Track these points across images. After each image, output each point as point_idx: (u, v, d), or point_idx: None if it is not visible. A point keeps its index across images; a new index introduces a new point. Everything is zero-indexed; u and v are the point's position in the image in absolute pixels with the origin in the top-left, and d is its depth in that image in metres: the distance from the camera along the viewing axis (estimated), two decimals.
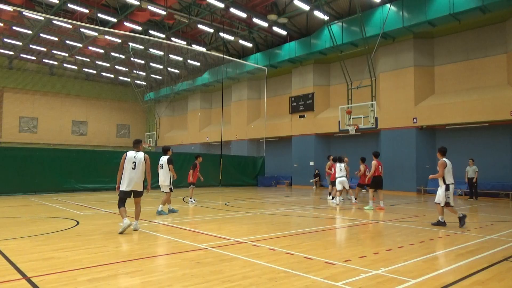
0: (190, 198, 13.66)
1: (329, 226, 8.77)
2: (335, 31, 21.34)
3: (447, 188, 8.50)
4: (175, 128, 42.20)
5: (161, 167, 10.39)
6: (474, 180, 16.41)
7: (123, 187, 7.57)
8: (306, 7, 21.35)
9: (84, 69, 38.91)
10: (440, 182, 8.64)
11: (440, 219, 8.63)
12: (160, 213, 10.14)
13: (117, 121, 44.08)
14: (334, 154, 22.53)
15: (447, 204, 8.51)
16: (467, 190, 17.58)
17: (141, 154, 7.67)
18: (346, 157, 15.41)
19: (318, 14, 22.06)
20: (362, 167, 14.14)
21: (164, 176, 10.30)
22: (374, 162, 12.46)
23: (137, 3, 21.75)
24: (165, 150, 10.63)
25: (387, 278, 4.44)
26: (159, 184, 10.51)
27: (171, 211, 10.59)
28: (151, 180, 8.27)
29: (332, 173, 14.55)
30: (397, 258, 5.46)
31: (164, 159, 10.36)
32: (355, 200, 14.09)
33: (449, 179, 8.59)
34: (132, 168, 7.53)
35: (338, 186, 13.78)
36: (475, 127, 18.87)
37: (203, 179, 13.99)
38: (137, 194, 7.72)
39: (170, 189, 10.39)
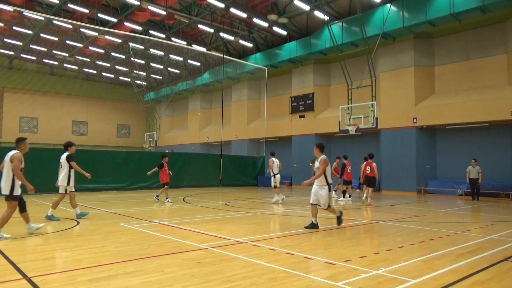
0: (167, 198, 13.72)
1: (329, 226, 8.77)
2: (335, 31, 21.34)
3: (329, 188, 7.93)
4: (175, 128, 42.20)
5: (60, 166, 9.11)
6: (479, 181, 15.94)
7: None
8: (306, 7, 21.35)
9: (84, 69, 38.93)
10: (322, 181, 7.88)
11: (314, 221, 8.00)
12: (49, 218, 8.75)
13: (117, 121, 44.09)
14: (335, 154, 22.59)
15: (329, 206, 7.99)
16: (468, 190, 17.54)
17: (10, 153, 6.74)
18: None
19: (318, 14, 22.05)
20: (362, 166, 14.51)
21: (63, 176, 8.97)
22: (363, 164, 14.13)
23: (137, 3, 21.75)
24: (65, 146, 9.33)
25: (388, 278, 4.44)
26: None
27: (81, 214, 9.18)
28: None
29: (347, 172, 15.06)
30: (397, 258, 5.46)
31: (63, 156, 9.09)
32: (366, 199, 14.06)
33: (330, 179, 8.03)
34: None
35: (278, 183, 14.04)
36: (475, 127, 18.87)
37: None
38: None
39: (66, 190, 9.01)
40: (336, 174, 15.41)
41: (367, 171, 13.85)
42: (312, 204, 8.05)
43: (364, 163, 14.13)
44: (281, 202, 13.77)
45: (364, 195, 14.21)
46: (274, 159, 14.37)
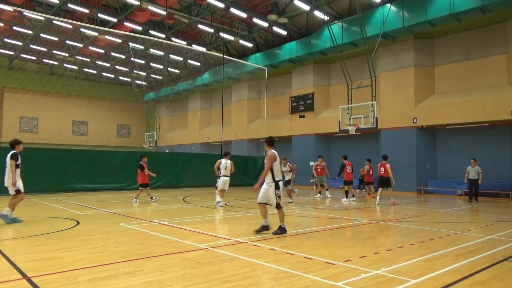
0: (151, 197, 13.69)
1: (329, 226, 8.77)
2: (335, 31, 21.34)
3: (277, 186, 7.21)
4: (175, 128, 42.20)
5: (5, 165, 8.39)
6: (479, 181, 15.06)
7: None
8: (306, 7, 21.35)
9: (84, 69, 38.92)
10: (268, 178, 7.23)
11: (264, 223, 7.35)
12: (10, 220, 8.26)
13: (117, 121, 44.10)
14: (335, 154, 22.55)
15: (278, 205, 7.24)
16: (467, 190, 17.47)
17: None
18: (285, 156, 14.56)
19: (318, 14, 22.05)
20: (367, 167, 14.96)
21: (8, 176, 8.33)
22: (366, 167, 15.16)
23: (137, 3, 21.75)
24: (12, 144, 8.60)
25: (388, 278, 4.44)
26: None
27: (10, 219, 8.29)
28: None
29: (348, 172, 15.22)
30: (397, 258, 5.46)
31: (8, 155, 8.38)
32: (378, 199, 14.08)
33: (278, 175, 7.30)
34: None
35: (220, 185, 12.58)
36: (475, 127, 18.87)
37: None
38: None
39: (17, 191, 8.35)
40: (367, 178, 16.27)
41: (380, 172, 14.03)
42: (259, 203, 7.35)
43: (379, 164, 14.38)
44: (218, 206, 12.33)
45: (377, 199, 13.86)
46: (223, 160, 12.90)
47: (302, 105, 25.94)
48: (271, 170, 7.19)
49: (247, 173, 26.67)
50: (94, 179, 18.73)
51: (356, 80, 20.01)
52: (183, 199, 15.07)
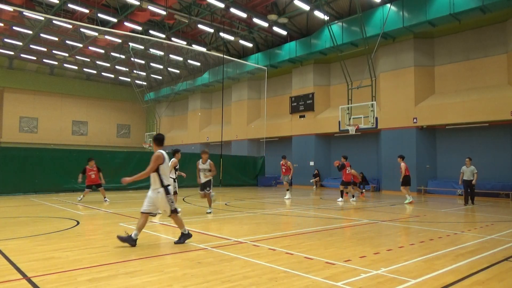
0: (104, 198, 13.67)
1: (329, 226, 8.77)
2: (335, 31, 21.34)
3: (167, 191, 6.25)
4: (175, 128, 42.20)
5: None
6: (473, 182, 13.89)
7: None
8: (306, 7, 21.35)
9: (84, 69, 38.92)
10: (155, 183, 6.25)
11: (184, 231, 6.40)
12: None
13: (117, 121, 44.10)
14: (335, 154, 22.53)
15: (174, 211, 6.33)
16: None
17: None
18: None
19: (318, 14, 22.05)
20: (402, 165, 14.84)
21: None
22: (402, 164, 14.74)
23: (137, 3, 21.75)
24: None
25: (388, 278, 4.44)
26: None
27: None
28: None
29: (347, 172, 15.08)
30: (397, 258, 5.46)
31: None
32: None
33: (167, 180, 6.32)
34: None
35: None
36: (475, 127, 18.87)
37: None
38: None
39: None
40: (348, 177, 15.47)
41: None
42: (142, 212, 6.37)
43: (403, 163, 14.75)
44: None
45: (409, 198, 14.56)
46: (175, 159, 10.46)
47: (302, 105, 25.94)
48: (159, 174, 6.18)
49: (247, 173, 26.69)
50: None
51: (356, 80, 20.01)
52: (183, 199, 15.07)
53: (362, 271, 4.68)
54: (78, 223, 8.55)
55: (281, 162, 16.40)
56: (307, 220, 9.90)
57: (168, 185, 6.28)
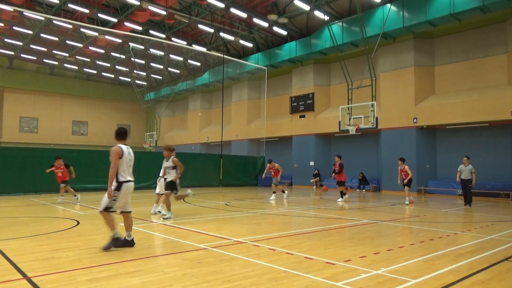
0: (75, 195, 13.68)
1: (329, 226, 8.77)
2: (335, 31, 21.34)
3: (119, 187, 5.77)
4: (176, 128, 42.20)
5: None
6: (473, 183, 13.41)
7: None
8: (306, 7, 21.35)
9: (85, 69, 38.93)
10: (111, 180, 5.76)
11: (114, 235, 5.81)
12: None
13: (117, 121, 44.06)
14: (335, 154, 22.44)
15: (107, 209, 5.75)
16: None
17: None
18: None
19: (318, 14, 22.05)
20: (406, 167, 14.38)
21: None
22: (406, 166, 14.43)
23: (138, 3, 21.75)
24: None
25: (388, 278, 4.44)
26: None
27: None
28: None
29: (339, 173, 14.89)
30: (397, 258, 5.46)
31: None
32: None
33: (125, 176, 5.86)
34: None
35: (158, 189, 10.43)
36: (475, 127, 18.87)
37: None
38: None
39: None
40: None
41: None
42: (101, 212, 5.85)
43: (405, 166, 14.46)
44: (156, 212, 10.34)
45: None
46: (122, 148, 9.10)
47: (302, 105, 25.94)
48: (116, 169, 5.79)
49: (247, 173, 26.68)
50: (94, 179, 18.71)
51: (356, 80, 20.01)
52: (183, 199, 15.05)
53: (362, 271, 4.68)
54: (78, 223, 8.55)
55: (268, 166, 16.10)
56: (307, 220, 9.90)
57: (126, 181, 5.82)
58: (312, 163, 25.38)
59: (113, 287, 4.01)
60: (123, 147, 5.97)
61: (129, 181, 5.91)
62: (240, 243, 6.43)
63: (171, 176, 9.31)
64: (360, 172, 22.29)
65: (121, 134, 6.14)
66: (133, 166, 6.17)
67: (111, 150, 5.83)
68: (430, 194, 19.61)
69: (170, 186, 9.28)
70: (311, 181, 24.53)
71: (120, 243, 5.83)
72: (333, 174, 15.24)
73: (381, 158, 21.54)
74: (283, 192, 15.95)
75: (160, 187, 10.21)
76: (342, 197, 14.91)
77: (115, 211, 5.83)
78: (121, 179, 5.81)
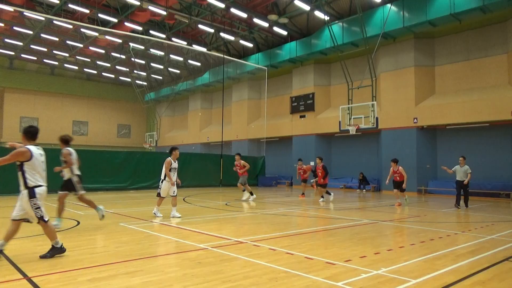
0: None
1: (329, 226, 8.76)
2: (335, 31, 21.34)
3: (32, 194, 5.21)
4: (176, 128, 42.21)
5: None
6: (465, 182, 12.74)
7: None
8: (306, 7, 21.34)
9: (85, 69, 38.95)
10: (20, 183, 5.30)
11: (55, 244, 5.38)
12: None
13: (117, 121, 44.11)
14: (335, 154, 22.37)
15: (41, 218, 5.31)
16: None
17: None
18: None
19: (318, 14, 22.05)
20: (401, 168, 13.80)
21: None
22: (401, 168, 13.73)
23: (138, 3, 21.75)
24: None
25: (388, 278, 4.43)
26: None
27: None
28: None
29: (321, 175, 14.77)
30: (397, 258, 5.46)
31: None
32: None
33: (35, 180, 5.27)
34: None
35: (163, 192, 9.65)
36: (475, 127, 18.86)
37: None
38: None
39: None
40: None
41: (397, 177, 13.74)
42: (13, 220, 5.34)
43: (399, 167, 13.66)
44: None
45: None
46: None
47: (303, 105, 25.94)
48: (23, 172, 5.22)
49: (248, 173, 26.62)
50: (94, 179, 18.71)
51: (357, 80, 20.01)
52: (183, 199, 15.06)
53: (363, 271, 4.68)
54: (78, 223, 8.56)
55: (236, 163, 15.52)
56: (308, 220, 9.90)
57: (35, 186, 5.20)
58: (312, 163, 25.35)
59: (113, 287, 4.01)
60: (32, 148, 5.32)
61: (41, 185, 5.33)
62: (240, 243, 6.43)
63: (68, 173, 8.16)
64: (360, 172, 22.29)
65: (31, 134, 5.47)
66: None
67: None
68: (430, 194, 19.60)
69: (70, 185, 8.14)
70: (312, 181, 24.50)
71: (59, 252, 5.38)
72: (315, 179, 14.93)
73: (381, 158, 21.52)
74: (243, 191, 15.39)
75: (163, 190, 9.65)
76: (323, 197, 14.79)
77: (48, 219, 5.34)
78: (31, 183, 5.20)
